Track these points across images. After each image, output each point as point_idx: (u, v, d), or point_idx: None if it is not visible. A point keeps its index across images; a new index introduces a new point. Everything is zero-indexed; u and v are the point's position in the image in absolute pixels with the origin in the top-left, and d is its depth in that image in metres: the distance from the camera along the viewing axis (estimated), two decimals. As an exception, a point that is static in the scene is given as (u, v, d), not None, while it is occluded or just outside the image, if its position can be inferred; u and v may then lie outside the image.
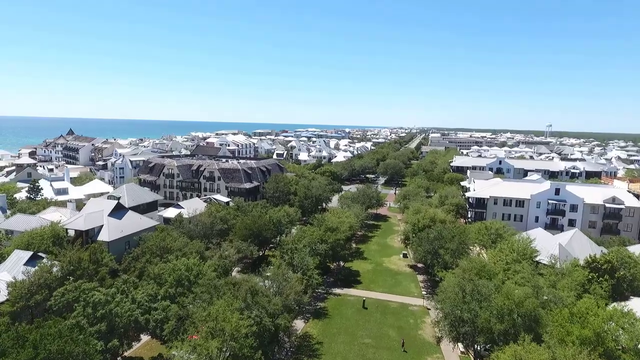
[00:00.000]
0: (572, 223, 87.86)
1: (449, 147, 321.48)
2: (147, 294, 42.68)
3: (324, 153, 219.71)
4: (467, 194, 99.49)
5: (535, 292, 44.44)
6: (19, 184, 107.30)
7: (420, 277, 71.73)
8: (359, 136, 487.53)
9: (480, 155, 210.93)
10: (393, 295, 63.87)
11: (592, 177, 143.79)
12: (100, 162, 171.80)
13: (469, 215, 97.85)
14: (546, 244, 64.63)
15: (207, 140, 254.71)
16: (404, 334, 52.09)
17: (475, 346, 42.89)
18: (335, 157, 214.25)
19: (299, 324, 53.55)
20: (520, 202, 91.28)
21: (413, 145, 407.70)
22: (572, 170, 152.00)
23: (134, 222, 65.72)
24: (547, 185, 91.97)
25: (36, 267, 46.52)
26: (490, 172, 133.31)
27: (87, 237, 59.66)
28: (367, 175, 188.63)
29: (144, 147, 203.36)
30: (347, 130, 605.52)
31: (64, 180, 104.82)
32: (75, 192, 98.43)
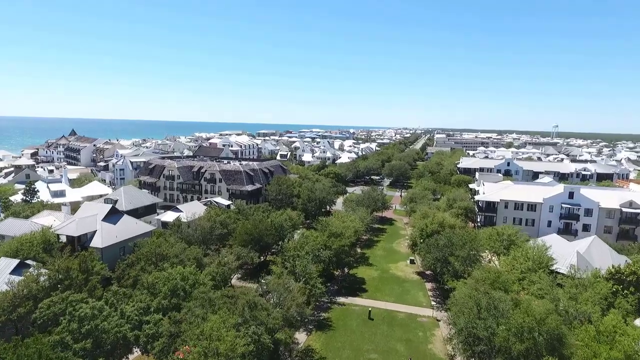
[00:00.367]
0: (586, 228, 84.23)
1: (454, 148, 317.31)
2: (138, 308, 39.62)
3: (328, 154, 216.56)
4: (477, 197, 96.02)
5: (557, 306, 41.19)
6: (17, 186, 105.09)
7: (429, 285, 68.44)
8: (363, 137, 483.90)
9: (487, 157, 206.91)
10: (400, 305, 60.63)
11: (603, 179, 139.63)
12: (102, 163, 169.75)
13: (478, 219, 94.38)
14: (562, 252, 61.21)
15: (211, 141, 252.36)
16: (413, 349, 48.89)
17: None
18: (340, 158, 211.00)
19: (301, 337, 50.47)
20: (532, 206, 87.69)
21: (418, 146, 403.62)
22: (583, 172, 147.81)
23: (129, 227, 62.91)
24: (560, 188, 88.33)
25: (22, 277, 43.86)
26: (499, 174, 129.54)
27: (80, 243, 56.89)
28: (372, 177, 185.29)
29: (147, 148, 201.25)
30: (351, 130, 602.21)
31: (61, 182, 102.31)
32: (73, 195, 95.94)
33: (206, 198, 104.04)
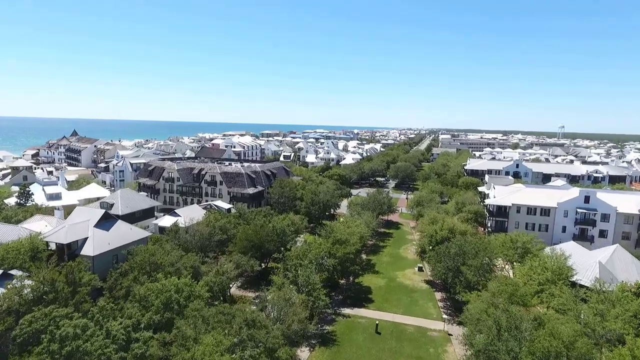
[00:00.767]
0: (603, 234, 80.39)
1: (460, 149, 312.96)
2: (125, 326, 36.34)
3: (332, 155, 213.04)
4: (487, 201, 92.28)
5: (585, 326, 37.60)
6: (14, 188, 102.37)
7: (439, 295, 64.85)
8: (367, 137, 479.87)
9: (494, 158, 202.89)
10: (409, 317, 57.08)
11: (616, 182, 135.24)
12: (103, 164, 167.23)
13: (489, 225, 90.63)
14: (581, 261, 57.51)
15: (214, 141, 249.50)
16: (424, 367, 45.42)
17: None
18: (344, 159, 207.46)
19: (303, 354, 47.02)
20: (545, 211, 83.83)
21: (423, 146, 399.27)
22: (595, 175, 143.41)
23: (123, 234, 59.74)
24: (575, 192, 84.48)
25: (3, 289, 40.77)
26: (509, 176, 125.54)
27: (70, 251, 53.78)
28: (377, 179, 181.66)
29: (149, 148, 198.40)
30: (355, 131, 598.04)
31: (57, 184, 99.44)
32: (69, 197, 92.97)
33: (207, 201, 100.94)
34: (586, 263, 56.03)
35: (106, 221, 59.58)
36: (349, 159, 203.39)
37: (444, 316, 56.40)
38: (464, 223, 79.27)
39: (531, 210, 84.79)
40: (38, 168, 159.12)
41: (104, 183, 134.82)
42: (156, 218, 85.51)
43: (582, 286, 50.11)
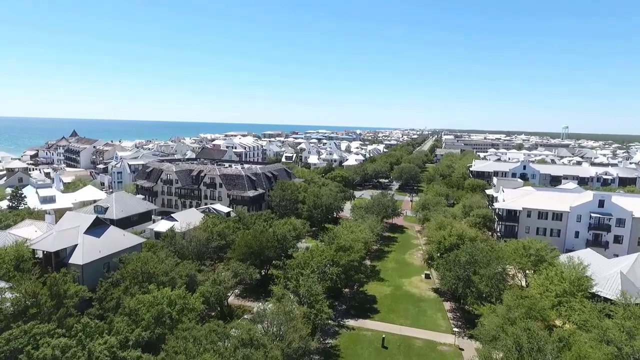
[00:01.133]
0: (618, 240, 76.84)
1: (464, 149, 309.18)
2: (110, 346, 33.28)
3: (335, 156, 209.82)
4: (496, 205, 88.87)
5: (607, 342, 34.35)
6: (8, 190, 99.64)
7: (447, 305, 61.54)
8: (370, 138, 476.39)
9: (499, 159, 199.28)
10: (417, 330, 53.84)
11: (627, 184, 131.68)
12: (101, 165, 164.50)
13: (498, 229, 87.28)
14: (600, 270, 54.17)
15: (215, 142, 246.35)
16: (435, 387, 42.20)
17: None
18: (347, 160, 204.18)
19: (305, 372, 43.87)
20: (557, 215, 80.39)
21: (426, 147, 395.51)
22: (604, 177, 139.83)
23: (115, 240, 56.70)
24: (588, 195, 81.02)
25: (-18, 303, 37.82)
26: (518, 179, 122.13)
27: (57, 259, 50.77)
28: (381, 180, 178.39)
29: (148, 149, 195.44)
30: (358, 131, 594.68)
31: (51, 186, 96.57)
32: (64, 200, 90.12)
33: (206, 204, 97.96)
34: (605, 273, 52.71)
35: (97, 227, 56.55)
36: (351, 160, 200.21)
37: (455, 329, 53.11)
38: (472, 228, 76.11)
39: (542, 214, 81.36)
40: (36, 169, 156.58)
41: (102, 185, 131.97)
42: (153, 222, 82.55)
43: (602, 298, 46.82)
